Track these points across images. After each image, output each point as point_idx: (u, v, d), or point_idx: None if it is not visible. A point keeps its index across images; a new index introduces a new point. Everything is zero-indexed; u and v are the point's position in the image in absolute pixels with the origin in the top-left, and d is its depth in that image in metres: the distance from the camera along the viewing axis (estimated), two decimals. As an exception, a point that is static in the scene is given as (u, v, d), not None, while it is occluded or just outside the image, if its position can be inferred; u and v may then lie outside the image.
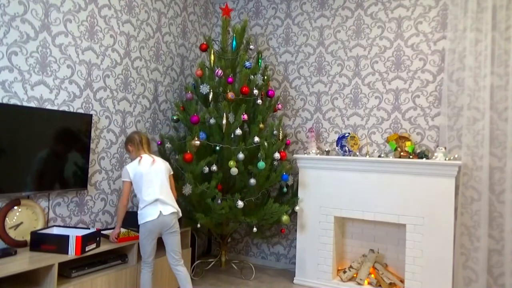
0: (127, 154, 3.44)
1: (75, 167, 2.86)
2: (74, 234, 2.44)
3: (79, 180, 2.89)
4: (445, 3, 3.51)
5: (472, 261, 3.24)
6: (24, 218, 2.55)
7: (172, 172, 2.86)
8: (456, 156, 3.26)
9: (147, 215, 2.56)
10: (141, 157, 2.68)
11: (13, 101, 2.52)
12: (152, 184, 2.62)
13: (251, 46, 3.83)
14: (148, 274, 2.62)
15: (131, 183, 2.64)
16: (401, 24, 3.70)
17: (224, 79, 3.55)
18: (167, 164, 2.80)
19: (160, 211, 2.57)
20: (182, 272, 2.65)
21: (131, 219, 3.05)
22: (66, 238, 2.39)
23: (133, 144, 2.75)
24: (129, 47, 3.44)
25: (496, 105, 3.24)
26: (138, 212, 2.61)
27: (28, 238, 2.52)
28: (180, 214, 2.74)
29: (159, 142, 3.64)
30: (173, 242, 2.66)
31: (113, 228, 3.07)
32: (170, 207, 2.63)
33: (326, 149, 3.85)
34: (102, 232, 2.94)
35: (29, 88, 2.62)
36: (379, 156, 3.52)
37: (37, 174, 2.59)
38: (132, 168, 2.63)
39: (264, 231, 3.95)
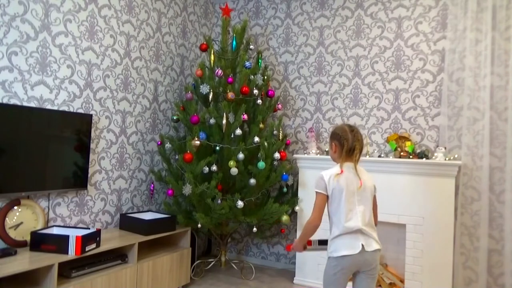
0: (128, 154, 3.45)
1: (75, 167, 2.86)
2: (74, 234, 2.44)
3: (79, 180, 2.89)
4: (445, 3, 3.51)
5: (472, 261, 3.24)
6: (24, 218, 2.55)
7: (376, 192, 2.18)
8: (456, 156, 3.26)
9: (344, 247, 1.98)
10: (342, 170, 2.03)
11: (13, 101, 2.52)
12: (355, 207, 2.02)
13: (251, 46, 3.83)
14: None
15: (327, 197, 2.04)
16: (401, 24, 3.70)
17: (224, 79, 3.55)
18: (374, 181, 2.14)
19: (362, 245, 1.97)
20: None
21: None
22: (66, 238, 2.39)
23: (341, 146, 2.08)
24: (129, 47, 3.44)
25: (496, 105, 3.24)
26: (330, 240, 2.06)
27: (28, 238, 2.52)
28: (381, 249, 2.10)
29: (159, 142, 3.64)
30: (369, 287, 2.05)
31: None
32: (374, 242, 2.03)
33: (326, 149, 3.85)
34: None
35: (29, 88, 2.62)
36: (379, 156, 3.52)
37: (37, 174, 2.59)
38: (331, 180, 2.02)
39: (264, 231, 3.94)
